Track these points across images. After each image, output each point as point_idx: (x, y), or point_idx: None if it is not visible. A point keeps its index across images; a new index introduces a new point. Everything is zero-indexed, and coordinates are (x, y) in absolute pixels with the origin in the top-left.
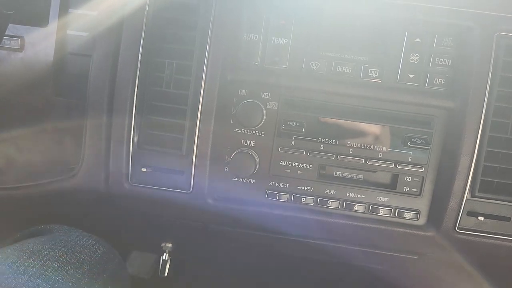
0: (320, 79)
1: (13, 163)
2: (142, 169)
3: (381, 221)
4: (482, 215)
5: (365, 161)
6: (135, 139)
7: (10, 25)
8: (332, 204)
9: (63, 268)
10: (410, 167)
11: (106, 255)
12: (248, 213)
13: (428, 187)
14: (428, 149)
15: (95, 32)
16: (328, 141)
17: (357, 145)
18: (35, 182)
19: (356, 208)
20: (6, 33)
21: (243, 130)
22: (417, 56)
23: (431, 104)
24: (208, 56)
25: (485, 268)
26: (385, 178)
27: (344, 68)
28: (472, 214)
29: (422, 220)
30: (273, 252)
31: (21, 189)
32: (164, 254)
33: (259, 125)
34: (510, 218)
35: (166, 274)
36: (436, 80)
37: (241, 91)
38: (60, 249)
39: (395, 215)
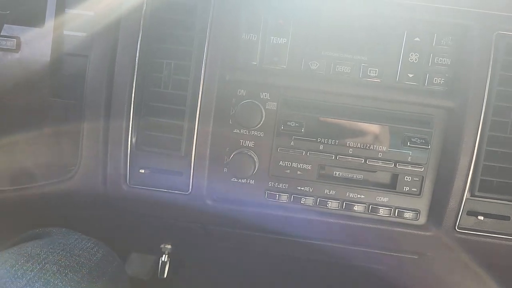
0: (319, 79)
1: (10, 165)
2: (140, 171)
3: (381, 221)
4: (482, 214)
5: (365, 161)
6: (133, 140)
7: (5, 25)
8: (332, 205)
9: (62, 272)
10: (409, 166)
11: (106, 258)
12: (247, 214)
13: (428, 187)
14: (427, 148)
15: (92, 32)
16: (328, 141)
17: (357, 145)
18: (31, 184)
19: (356, 208)
20: (1, 33)
21: (242, 131)
22: (416, 55)
23: (431, 104)
24: (206, 56)
25: (485, 267)
26: (384, 178)
27: (343, 67)
28: (472, 213)
29: (422, 220)
30: (272, 253)
31: (18, 191)
32: (164, 255)
33: (258, 126)
34: (510, 217)
35: (165, 276)
36: (436, 79)
37: (240, 91)
38: (59, 252)
39: (395, 215)
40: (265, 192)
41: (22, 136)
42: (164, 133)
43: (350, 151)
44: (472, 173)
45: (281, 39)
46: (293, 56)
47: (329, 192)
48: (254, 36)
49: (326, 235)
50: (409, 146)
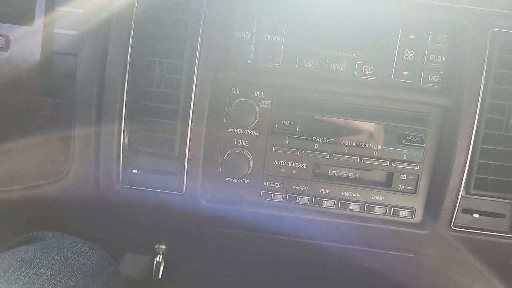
0: (313, 77)
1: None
2: (133, 171)
3: (377, 220)
4: (477, 212)
5: (360, 159)
6: (126, 140)
7: None
8: (327, 204)
9: (56, 277)
10: (405, 165)
11: (101, 262)
12: (242, 214)
13: (423, 185)
14: (423, 147)
15: (82, 30)
16: (323, 140)
17: (352, 144)
18: (21, 185)
19: (351, 207)
20: None
21: (236, 130)
22: (411, 53)
23: (426, 102)
24: (199, 54)
25: (481, 265)
26: (380, 176)
27: (338, 65)
28: (467, 211)
29: (417, 218)
30: (268, 253)
31: (7, 193)
32: (158, 256)
33: (253, 125)
34: (505, 214)
35: (160, 276)
36: (431, 77)
37: (233, 90)
38: (53, 256)
39: (390, 213)
40: (260, 192)
41: (11, 136)
42: (157, 132)
43: (345, 149)
44: (468, 171)
45: (275, 36)
46: (287, 54)
47: (324, 191)
48: (248, 34)
49: (321, 234)
50: (404, 144)
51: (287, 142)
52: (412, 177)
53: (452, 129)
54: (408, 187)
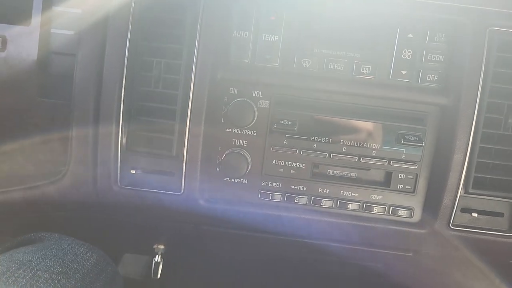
0: (312, 77)
1: None
2: (131, 171)
3: (375, 219)
4: (476, 211)
5: (359, 159)
6: (124, 140)
7: None
8: (326, 203)
9: (54, 279)
10: (403, 164)
11: (99, 263)
12: (240, 214)
13: (422, 184)
14: (421, 146)
15: (79, 30)
16: (321, 139)
17: (350, 143)
18: (19, 186)
19: (350, 207)
20: None
21: (235, 130)
22: (409, 52)
23: (424, 101)
24: (197, 54)
25: (480, 264)
26: (378, 176)
27: (336, 65)
28: (466, 210)
29: (416, 217)
30: (266, 253)
31: (5, 194)
32: (157, 256)
33: (251, 124)
34: (503, 213)
35: (158, 276)
36: (429, 76)
37: (231, 89)
38: (51, 258)
39: (389, 212)
40: (259, 192)
41: (9, 137)
42: (155, 133)
43: (344, 149)
44: (466, 170)
45: (273, 36)
46: (285, 53)
47: (323, 191)
48: (246, 33)
49: (320, 234)
50: (403, 143)
51: (285, 142)
52: (411, 177)
53: (450, 128)
54: (406, 187)
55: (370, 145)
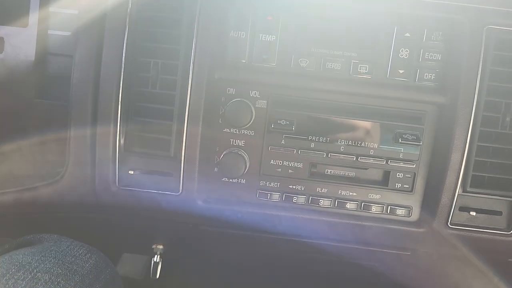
0: (309, 77)
1: None
2: (129, 172)
3: (374, 219)
4: (474, 210)
5: (357, 158)
6: (122, 141)
7: None
8: (324, 203)
9: (54, 281)
10: (401, 163)
11: (99, 265)
12: (239, 214)
13: (420, 183)
14: (419, 145)
15: (76, 31)
16: (319, 139)
17: (348, 143)
18: (17, 188)
19: (348, 206)
20: None
21: (232, 130)
22: (406, 51)
23: (422, 100)
24: (194, 54)
25: (478, 262)
26: (376, 175)
27: (334, 64)
28: (464, 209)
29: (414, 216)
30: (265, 252)
31: (1, 195)
32: (156, 256)
33: (248, 124)
34: (501, 212)
35: (157, 276)
36: (426, 75)
37: (229, 90)
38: (51, 260)
39: (387, 212)
40: (257, 192)
41: (7, 139)
42: (152, 133)
43: (342, 148)
44: (464, 169)
45: (270, 36)
46: (283, 53)
47: (321, 190)
48: (243, 33)
49: (318, 234)
50: (400, 142)
51: (283, 142)
52: (409, 176)
53: (448, 127)
54: (404, 186)
55: (368, 144)
